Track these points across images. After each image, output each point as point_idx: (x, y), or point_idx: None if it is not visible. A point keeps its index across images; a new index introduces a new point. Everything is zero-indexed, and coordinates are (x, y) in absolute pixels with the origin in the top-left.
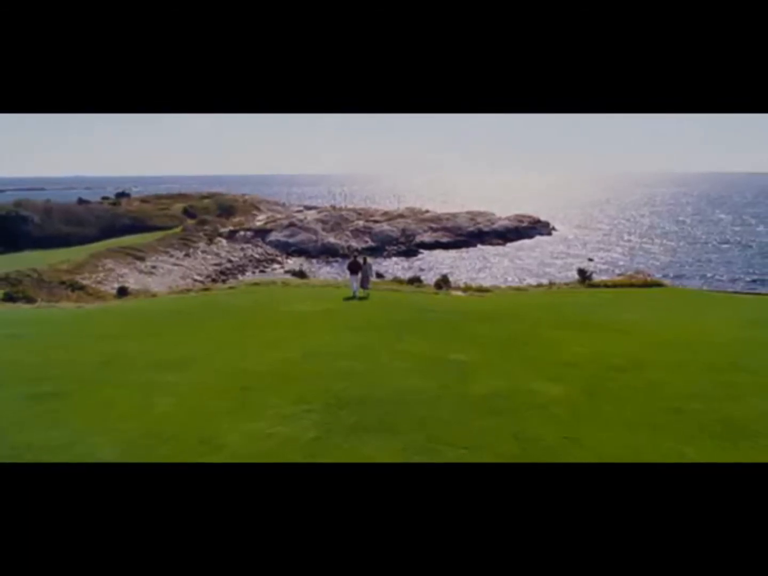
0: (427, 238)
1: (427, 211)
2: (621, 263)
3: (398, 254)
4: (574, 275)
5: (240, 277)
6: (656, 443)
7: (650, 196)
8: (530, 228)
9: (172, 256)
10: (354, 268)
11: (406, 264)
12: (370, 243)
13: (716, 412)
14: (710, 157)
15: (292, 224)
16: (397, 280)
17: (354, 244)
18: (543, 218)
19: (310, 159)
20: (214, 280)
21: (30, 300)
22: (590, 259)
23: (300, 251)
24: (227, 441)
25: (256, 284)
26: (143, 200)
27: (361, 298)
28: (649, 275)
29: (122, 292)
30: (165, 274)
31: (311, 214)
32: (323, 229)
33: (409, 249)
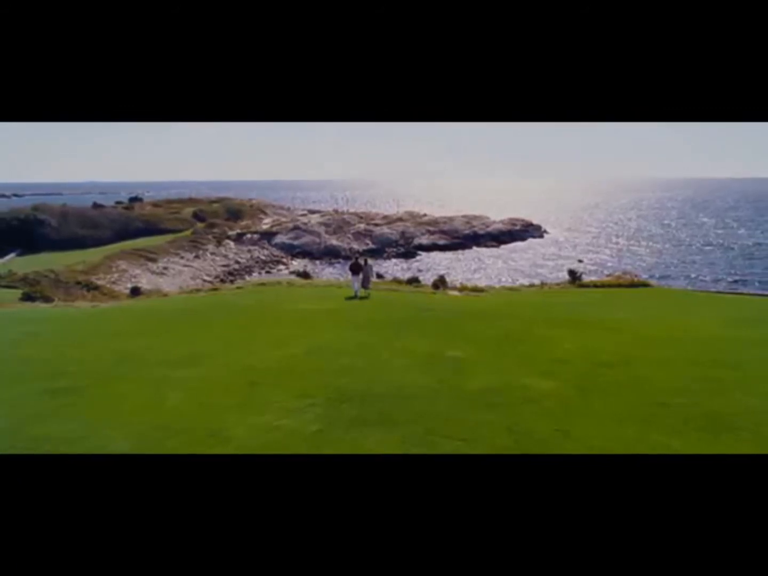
0: (425, 240)
1: (425, 215)
2: (609, 264)
3: (397, 256)
4: (565, 276)
5: (247, 277)
6: (643, 436)
7: (637, 201)
8: (523, 231)
9: (182, 257)
10: (355, 269)
11: (405, 265)
12: (371, 245)
13: (700, 406)
14: (694, 163)
15: (296, 227)
16: (397, 281)
17: (355, 246)
18: (535, 222)
19: (314, 165)
20: (222, 281)
21: (47, 299)
22: (580, 261)
23: (304, 253)
24: (235, 434)
25: (262, 284)
26: (155, 204)
27: (362, 298)
28: (636, 276)
29: (135, 291)
30: (176, 275)
31: (315, 218)
32: (326, 232)
33: (408, 251)
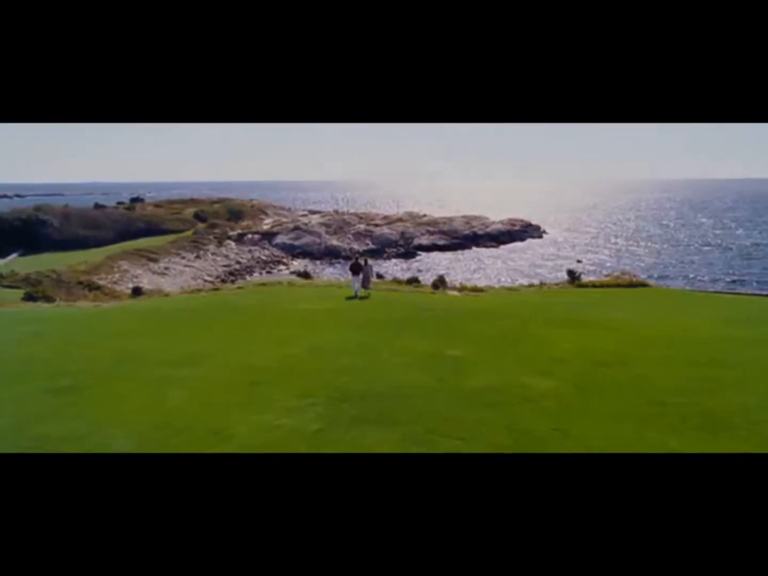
0: (424, 240)
1: (424, 216)
2: (608, 264)
3: (397, 256)
4: (564, 276)
5: (248, 277)
6: (641, 434)
7: (636, 202)
8: (522, 231)
9: (183, 257)
10: (356, 269)
11: (404, 265)
12: (371, 245)
13: (697, 405)
14: (693, 164)
15: (297, 228)
16: (397, 281)
17: (356, 246)
18: (534, 222)
19: (314, 166)
20: (223, 281)
21: (49, 299)
22: (579, 261)
23: (304, 253)
24: (236, 432)
25: (263, 284)
26: (156, 205)
27: (362, 298)
28: (634, 276)
29: (137, 291)
30: (177, 275)
31: (315, 218)
32: (327, 233)
33: (408, 251)
